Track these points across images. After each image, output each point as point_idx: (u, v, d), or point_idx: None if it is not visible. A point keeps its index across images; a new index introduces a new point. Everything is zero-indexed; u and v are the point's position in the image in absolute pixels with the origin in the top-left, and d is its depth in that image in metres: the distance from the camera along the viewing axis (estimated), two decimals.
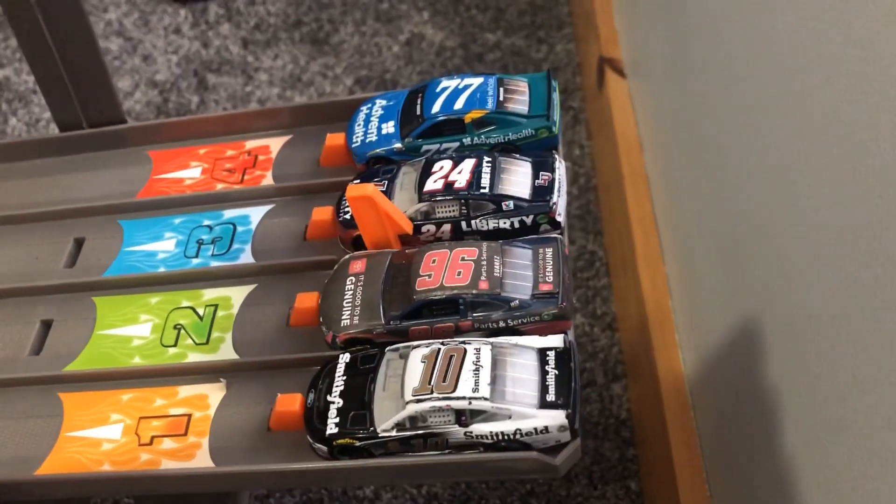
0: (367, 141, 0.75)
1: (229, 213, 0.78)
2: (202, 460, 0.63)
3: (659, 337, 1.04)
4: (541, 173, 0.68)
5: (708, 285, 0.95)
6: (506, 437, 0.57)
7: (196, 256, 0.75)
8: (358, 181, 0.72)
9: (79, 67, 0.83)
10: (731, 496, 0.88)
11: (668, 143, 1.09)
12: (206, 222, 0.77)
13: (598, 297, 1.17)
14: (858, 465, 0.62)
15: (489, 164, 0.68)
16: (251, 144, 0.83)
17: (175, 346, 0.70)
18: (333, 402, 0.60)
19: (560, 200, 0.67)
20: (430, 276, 0.63)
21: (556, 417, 0.57)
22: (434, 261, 0.63)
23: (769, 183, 0.77)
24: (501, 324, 0.62)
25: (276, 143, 0.82)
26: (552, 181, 0.67)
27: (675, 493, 0.94)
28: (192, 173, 0.82)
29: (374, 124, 0.76)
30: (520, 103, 0.73)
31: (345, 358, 0.62)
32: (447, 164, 0.69)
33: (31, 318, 0.74)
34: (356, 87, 1.38)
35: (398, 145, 0.74)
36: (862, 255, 0.60)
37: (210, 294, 0.72)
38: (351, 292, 0.65)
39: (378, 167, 0.73)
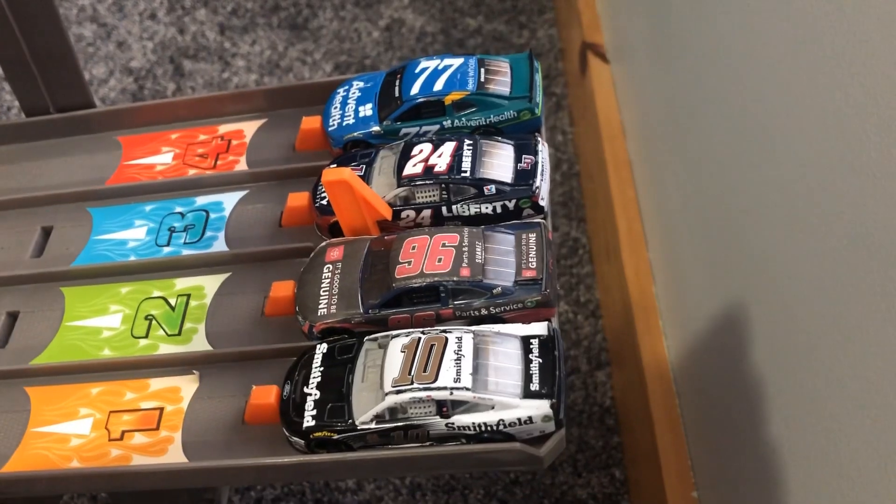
0: (344, 124, 0.73)
1: (202, 200, 0.75)
2: (174, 455, 0.61)
3: (643, 324, 1.03)
4: (523, 156, 0.66)
5: (692, 272, 0.94)
6: (489, 428, 0.55)
7: (168, 245, 0.73)
8: (335, 166, 0.70)
9: (45, 51, 0.80)
10: (716, 483, 0.87)
11: (652, 129, 1.07)
12: (178, 209, 0.75)
13: (582, 285, 1.16)
14: (842, 451, 0.60)
15: (470, 148, 0.66)
16: (224, 129, 0.80)
17: (146, 337, 0.67)
18: (310, 394, 0.58)
19: (543, 184, 0.65)
20: (409, 263, 0.61)
21: (541, 407, 0.55)
22: (414, 247, 0.61)
23: (753, 168, 0.75)
24: (483, 311, 0.60)
25: (249, 128, 0.80)
26: (535, 164, 0.65)
27: (659, 480, 0.92)
28: (163, 159, 0.79)
29: (352, 107, 0.74)
30: (501, 84, 0.71)
31: (322, 348, 0.60)
32: (427, 147, 0.67)
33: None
34: (335, 73, 1.36)
35: (376, 128, 0.72)
36: (847, 241, 0.59)
37: (182, 283, 0.70)
38: (328, 280, 0.63)
39: (355, 151, 0.71)
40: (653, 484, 0.94)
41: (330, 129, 0.73)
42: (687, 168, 0.95)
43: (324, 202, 0.68)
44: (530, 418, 0.55)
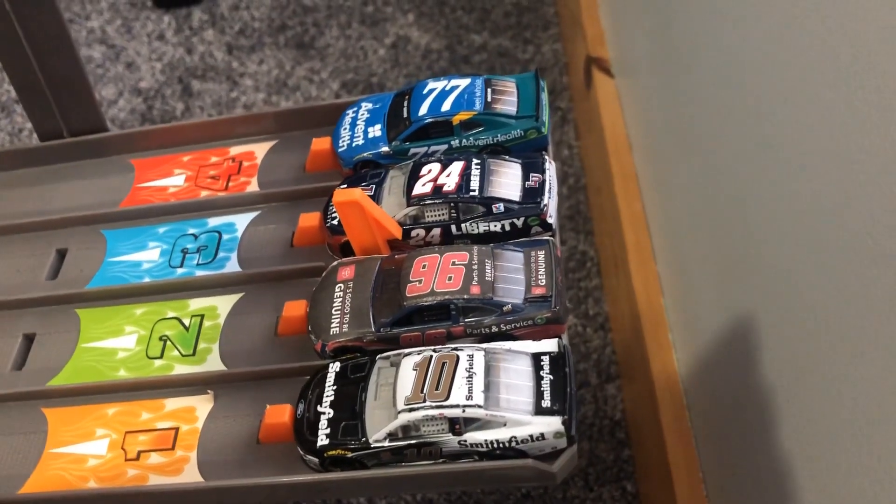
0: (354, 145, 0.74)
1: (214, 221, 0.76)
2: (190, 475, 0.62)
3: (652, 336, 1.04)
4: (531, 175, 0.67)
5: (701, 284, 0.95)
6: (501, 445, 0.56)
7: (181, 266, 0.73)
8: (345, 186, 0.70)
9: (58, 76, 0.81)
10: (728, 496, 0.87)
11: (658, 142, 1.08)
12: (191, 231, 0.76)
13: (591, 298, 1.16)
14: (854, 460, 0.61)
15: (478, 167, 0.67)
16: (235, 150, 0.81)
17: (161, 357, 0.68)
18: (324, 413, 0.59)
19: (551, 202, 0.66)
20: (420, 281, 0.61)
21: (552, 424, 0.55)
22: (424, 266, 0.62)
23: (762, 179, 0.76)
24: (494, 328, 0.61)
25: (260, 149, 0.81)
26: (542, 182, 0.66)
27: (671, 493, 0.93)
28: (175, 181, 0.80)
29: (361, 128, 0.75)
30: (508, 104, 0.72)
31: (334, 367, 0.61)
32: (435, 167, 0.68)
33: (14, 333, 0.72)
34: (342, 91, 1.37)
35: (385, 149, 0.73)
36: (858, 252, 0.59)
37: (196, 304, 0.71)
38: (340, 300, 0.64)
39: (365, 171, 0.72)
40: (664, 497, 0.95)
41: (340, 149, 0.74)
42: (694, 180, 0.95)
43: (335, 222, 0.69)
44: (542, 435, 0.55)
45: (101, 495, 0.61)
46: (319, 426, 0.58)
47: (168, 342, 0.69)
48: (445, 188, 0.66)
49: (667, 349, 1.02)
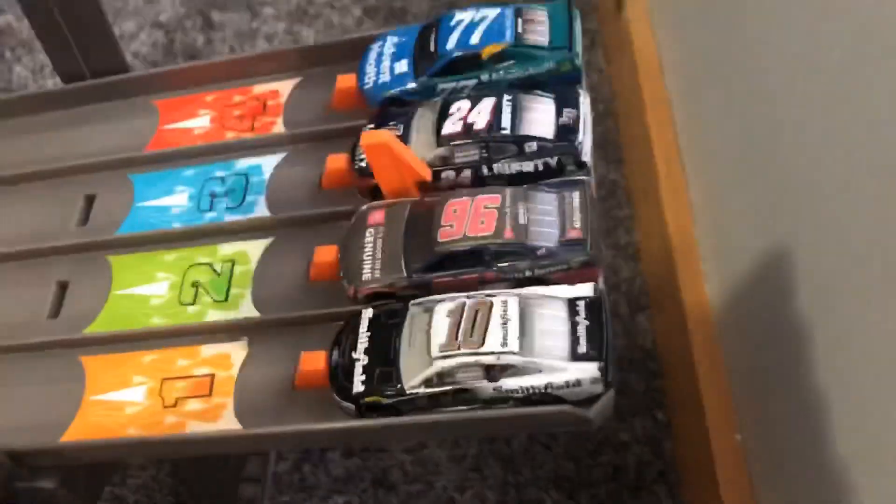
0: (380, 82, 0.72)
1: (241, 164, 0.75)
2: (228, 421, 0.62)
3: (684, 266, 1.02)
4: (564, 110, 0.65)
5: (735, 213, 0.93)
6: (537, 392, 0.56)
7: (210, 210, 0.73)
8: (372, 126, 0.69)
9: (76, 15, 0.79)
10: (760, 425, 0.87)
11: (692, 64, 1.05)
12: (219, 173, 0.75)
13: (621, 227, 1.15)
14: (888, 395, 0.60)
15: (510, 103, 0.65)
16: (259, 89, 0.80)
17: (194, 304, 0.68)
18: (359, 360, 0.59)
19: (586, 140, 0.64)
20: (452, 226, 0.60)
21: (589, 370, 0.55)
22: (456, 210, 0.61)
23: (801, 102, 0.73)
24: (528, 273, 0.60)
25: (285, 87, 0.79)
26: (577, 119, 0.64)
27: (703, 422, 0.93)
28: (200, 122, 0.79)
29: (387, 64, 0.72)
30: (540, 34, 0.69)
31: (368, 313, 0.61)
32: (465, 104, 0.66)
33: (47, 280, 0.72)
34: (365, 18, 1.34)
35: (412, 85, 0.71)
36: None
37: (226, 249, 0.70)
38: (371, 245, 0.63)
39: (392, 110, 0.70)
40: (696, 426, 0.95)
41: (365, 87, 0.72)
42: (730, 105, 0.93)
43: (363, 164, 0.67)
44: (578, 381, 0.55)
45: (143, 443, 0.62)
46: (354, 373, 0.58)
47: (200, 288, 0.69)
48: (476, 127, 0.65)
49: (699, 279, 1.01)
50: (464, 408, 0.57)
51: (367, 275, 0.62)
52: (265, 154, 0.75)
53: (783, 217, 0.80)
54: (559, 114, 0.65)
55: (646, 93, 1.13)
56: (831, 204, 0.68)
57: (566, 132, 0.64)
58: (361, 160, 0.68)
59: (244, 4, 1.37)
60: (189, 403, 0.64)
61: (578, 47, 0.69)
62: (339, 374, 0.59)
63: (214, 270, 0.69)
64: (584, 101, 0.66)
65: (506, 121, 0.64)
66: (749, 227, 0.89)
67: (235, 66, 0.80)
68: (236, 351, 0.65)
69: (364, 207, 0.66)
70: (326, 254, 0.66)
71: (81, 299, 0.71)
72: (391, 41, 0.74)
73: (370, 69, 0.73)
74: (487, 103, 0.65)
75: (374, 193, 0.68)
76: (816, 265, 0.73)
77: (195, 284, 0.69)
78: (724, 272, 0.96)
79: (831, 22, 0.66)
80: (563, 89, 0.67)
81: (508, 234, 0.59)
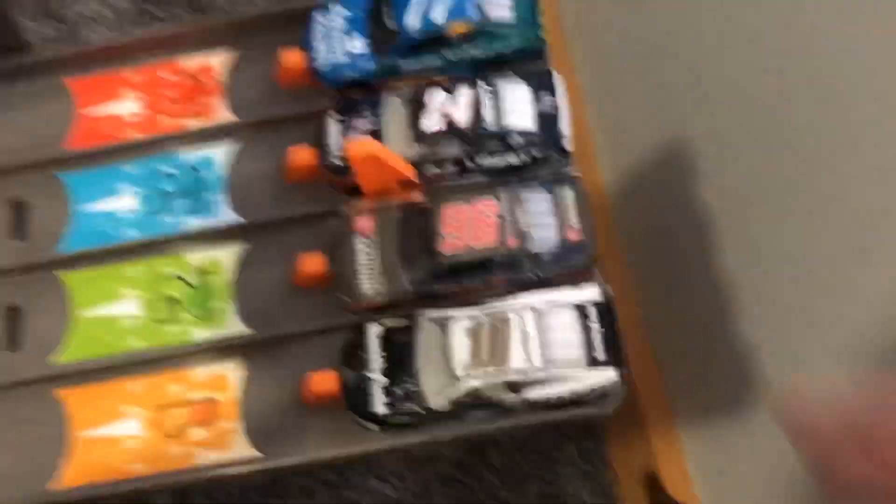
0: (335, 62, 0.68)
1: (188, 156, 0.70)
2: (241, 446, 0.62)
3: (577, 149, 1.01)
4: (542, 95, 0.64)
5: (628, 95, 0.92)
6: (559, 399, 0.58)
7: (165, 212, 0.68)
8: (340, 117, 0.66)
9: None
10: (658, 300, 0.90)
11: None
12: (165, 168, 0.70)
13: None
14: (791, 283, 0.62)
15: (489, 94, 0.64)
16: (188, 64, 0.73)
17: (173, 322, 0.65)
18: (376, 380, 0.59)
19: (567, 128, 0.64)
20: (454, 236, 0.60)
21: (609, 377, 0.58)
22: (454, 218, 0.61)
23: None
24: (531, 276, 0.61)
25: (217, 61, 0.73)
26: (557, 108, 0.64)
27: None
28: (128, 106, 0.72)
29: (338, 41, 0.68)
30: (504, 9, 0.67)
31: (376, 331, 0.61)
32: (441, 95, 0.64)
33: None
34: None
35: (373, 66, 0.67)
36: (778, 70, 0.58)
37: (196, 258, 0.67)
38: (366, 255, 0.62)
39: (359, 99, 0.67)
40: None
41: (322, 68, 0.68)
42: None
43: (337, 161, 0.65)
44: (599, 386, 0.58)
45: (162, 481, 0.60)
46: (374, 393, 0.59)
47: (176, 304, 0.65)
48: (458, 123, 0.63)
49: (592, 163, 1.00)
50: (490, 419, 0.59)
51: (367, 289, 0.61)
52: (212, 142, 0.70)
53: (680, 108, 0.79)
54: (537, 99, 0.64)
55: None
56: (729, 97, 0.68)
57: (549, 123, 0.64)
58: (335, 157, 0.65)
59: None
60: (193, 431, 0.62)
61: (541, 19, 0.67)
62: (357, 394, 0.59)
63: (188, 283, 0.66)
64: (560, 86, 0.65)
65: (488, 115, 0.63)
66: (642, 111, 0.88)
67: (158, 40, 0.73)
68: (232, 371, 0.64)
69: (347, 210, 0.64)
70: (313, 263, 0.64)
71: (39, 325, 0.66)
72: (338, 13, 0.69)
73: (320, 46, 0.68)
74: (466, 94, 0.64)
75: (351, 191, 0.66)
76: (714, 154, 0.73)
77: (168, 300, 0.66)
78: (618, 160, 0.97)
79: None
80: (536, 72, 0.66)
81: (512, 242, 0.60)
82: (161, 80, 0.72)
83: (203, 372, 0.64)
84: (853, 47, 0.53)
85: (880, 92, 0.51)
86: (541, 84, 0.65)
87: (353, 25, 0.68)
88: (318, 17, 0.70)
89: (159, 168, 0.70)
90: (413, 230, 0.62)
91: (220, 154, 0.70)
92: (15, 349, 0.65)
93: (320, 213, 0.66)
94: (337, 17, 0.69)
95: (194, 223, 0.67)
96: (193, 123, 0.71)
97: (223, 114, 0.71)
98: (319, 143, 0.66)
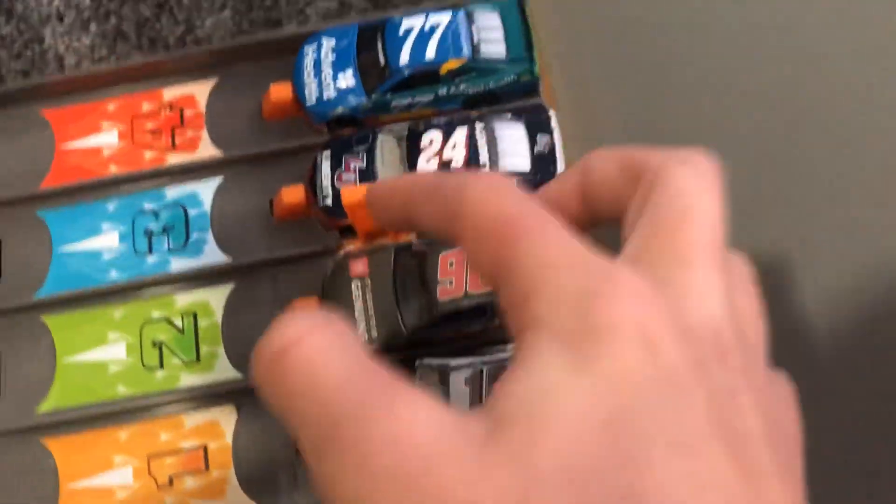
0: (325, 98, 0.66)
1: (172, 192, 0.68)
2: (235, 496, 0.61)
3: None
4: (538, 137, 0.64)
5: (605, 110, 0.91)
6: None
7: (149, 252, 0.67)
8: (328, 153, 0.65)
9: None
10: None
11: None
12: (148, 206, 0.68)
13: None
14: None
15: (484, 134, 0.63)
16: (170, 94, 0.71)
17: (161, 367, 0.64)
18: None
19: (562, 167, 0.64)
20: (450, 282, 0.59)
21: None
22: (451, 264, 0.60)
23: None
24: None
25: (201, 91, 0.71)
26: (553, 147, 0.63)
27: None
28: (107, 139, 0.70)
29: (328, 74, 0.67)
30: (496, 44, 0.66)
31: None
32: (437, 136, 0.63)
33: None
34: None
35: (363, 102, 0.66)
36: None
37: (183, 300, 0.65)
38: (360, 300, 0.61)
39: (350, 137, 0.65)
40: None
41: (309, 104, 0.66)
42: None
43: (329, 202, 0.63)
44: None
45: None
46: None
47: (164, 348, 0.64)
48: (453, 164, 0.62)
49: None
50: None
51: (363, 334, 0.60)
52: (199, 178, 0.69)
53: None
54: (532, 140, 0.64)
55: None
56: None
57: (544, 163, 0.63)
58: (326, 196, 0.64)
59: None
60: (185, 481, 0.61)
61: (535, 53, 0.66)
62: None
63: (175, 326, 0.65)
64: (555, 125, 0.64)
65: (483, 155, 0.62)
66: None
67: (140, 69, 0.71)
68: (224, 417, 0.63)
69: (342, 254, 0.63)
70: (307, 305, 0.63)
71: (22, 371, 0.64)
72: (328, 45, 0.68)
73: (310, 81, 0.67)
74: (461, 135, 0.63)
75: (344, 232, 0.64)
76: None
77: (157, 344, 0.64)
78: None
79: None
80: (530, 109, 0.65)
81: None
82: (143, 112, 0.70)
83: (194, 418, 0.63)
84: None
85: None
86: (536, 123, 0.64)
87: (344, 59, 0.67)
88: (307, 50, 0.68)
89: (143, 205, 0.68)
90: (407, 273, 0.61)
91: (205, 190, 0.68)
92: None
93: (311, 252, 0.65)
94: (327, 51, 0.68)
95: (180, 263, 0.66)
96: (178, 158, 0.69)
97: (208, 148, 0.69)
98: (310, 181, 0.65)
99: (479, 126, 0.63)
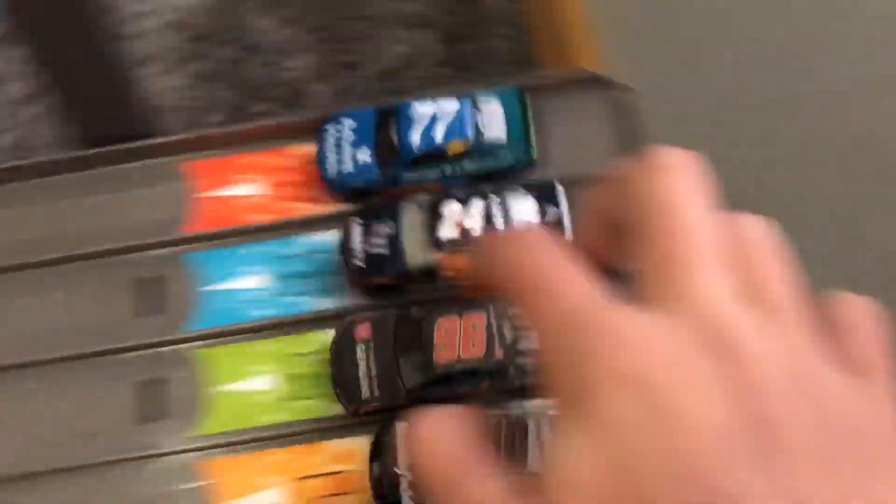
0: (345, 171, 0.75)
1: (304, 240, 0.76)
2: None
3: None
4: (546, 207, 0.70)
5: None
6: None
7: (289, 294, 0.75)
8: (361, 222, 0.73)
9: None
10: None
11: None
12: (283, 251, 0.76)
13: None
14: None
15: (499, 206, 0.70)
16: (297, 152, 0.79)
17: (299, 398, 0.72)
18: (405, 475, 0.65)
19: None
20: (446, 347, 0.66)
21: None
22: (446, 330, 0.66)
23: None
24: (516, 383, 0.66)
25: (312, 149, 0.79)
26: (560, 218, 0.70)
27: None
28: (245, 190, 0.78)
29: (348, 151, 0.75)
30: (498, 130, 0.73)
31: (402, 428, 0.66)
32: (455, 206, 0.69)
33: (125, 379, 0.72)
34: None
35: (377, 176, 0.74)
36: None
37: (318, 339, 0.73)
38: (364, 362, 0.69)
39: (378, 210, 0.73)
40: None
41: (329, 176, 0.75)
42: None
43: (360, 263, 0.72)
44: None
45: None
46: (402, 488, 0.65)
47: (304, 381, 0.72)
48: (473, 232, 0.69)
49: None
50: None
51: (365, 393, 0.68)
52: (324, 229, 0.77)
53: None
54: (542, 212, 0.70)
55: None
56: None
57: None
58: (358, 259, 0.72)
59: None
60: (332, 502, 0.69)
61: (533, 139, 0.74)
62: (385, 487, 0.66)
63: (313, 362, 0.73)
64: (563, 199, 0.71)
65: (498, 223, 0.69)
66: None
67: (268, 128, 0.79)
68: (359, 444, 0.71)
69: (349, 319, 0.71)
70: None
71: (173, 398, 0.72)
72: (348, 125, 0.76)
73: (331, 156, 0.75)
74: (478, 206, 0.69)
75: (371, 290, 0.73)
76: None
77: (296, 377, 0.72)
78: None
79: None
80: (541, 185, 0.72)
81: (499, 354, 0.65)
82: (274, 166, 0.78)
83: (334, 446, 0.71)
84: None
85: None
86: (545, 196, 0.71)
87: (361, 138, 0.75)
88: (329, 129, 0.76)
89: (280, 251, 0.76)
90: (405, 337, 0.68)
91: (333, 239, 0.76)
92: (155, 421, 0.71)
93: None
94: (346, 130, 0.76)
95: (318, 305, 0.74)
96: (307, 208, 0.77)
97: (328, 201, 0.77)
98: (343, 245, 0.73)
99: (494, 199, 0.69)
